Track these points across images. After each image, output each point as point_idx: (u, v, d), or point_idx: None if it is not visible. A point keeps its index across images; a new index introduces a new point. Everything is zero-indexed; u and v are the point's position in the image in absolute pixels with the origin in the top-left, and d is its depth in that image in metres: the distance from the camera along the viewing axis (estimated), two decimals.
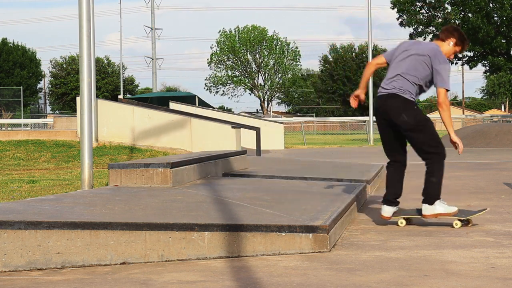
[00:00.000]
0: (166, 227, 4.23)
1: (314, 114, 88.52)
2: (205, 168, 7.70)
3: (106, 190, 6.24)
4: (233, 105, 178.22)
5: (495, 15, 31.94)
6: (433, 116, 58.11)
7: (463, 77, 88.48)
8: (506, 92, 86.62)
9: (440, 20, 33.45)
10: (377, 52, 75.60)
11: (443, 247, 4.61)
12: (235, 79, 78.10)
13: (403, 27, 34.50)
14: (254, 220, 4.53)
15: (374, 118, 35.83)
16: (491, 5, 31.56)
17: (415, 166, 13.33)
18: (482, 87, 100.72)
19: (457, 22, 32.50)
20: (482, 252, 4.40)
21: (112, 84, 78.00)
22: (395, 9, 34.16)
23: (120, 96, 35.42)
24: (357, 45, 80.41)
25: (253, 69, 78.26)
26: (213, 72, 79.79)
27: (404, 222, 5.66)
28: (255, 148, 16.29)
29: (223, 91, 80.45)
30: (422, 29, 33.98)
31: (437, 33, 33.58)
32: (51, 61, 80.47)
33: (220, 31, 79.30)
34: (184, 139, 17.22)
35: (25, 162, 15.23)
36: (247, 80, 78.52)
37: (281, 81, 78.79)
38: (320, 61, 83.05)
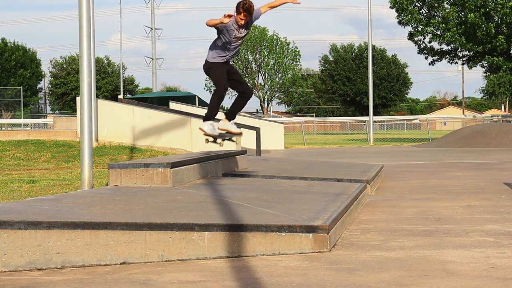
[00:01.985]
0: (166, 227, 4.23)
1: (314, 114, 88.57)
2: (205, 168, 7.70)
3: (106, 190, 6.24)
4: None
5: (495, 15, 31.90)
6: (432, 116, 58.14)
7: (463, 77, 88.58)
8: (506, 92, 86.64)
9: (439, 19, 33.42)
10: (376, 52, 75.95)
11: (443, 247, 4.61)
12: None
13: (402, 26, 34.47)
14: (254, 220, 4.53)
15: (375, 118, 35.79)
16: (490, 3, 31.51)
17: (415, 166, 13.33)
18: (482, 87, 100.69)
19: (455, 21, 32.48)
20: (482, 252, 4.40)
21: (112, 84, 77.99)
22: (394, 9, 34.13)
23: (120, 96, 35.41)
24: (357, 45, 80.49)
25: (253, 69, 78.29)
26: None
27: None
28: (255, 148, 16.29)
29: None
30: (421, 28, 33.94)
31: (437, 32, 33.61)
32: (51, 61, 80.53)
33: None
34: (184, 139, 17.23)
35: (25, 162, 15.24)
36: (247, 80, 78.53)
37: (281, 81, 78.85)
38: (320, 61, 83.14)
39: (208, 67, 7.77)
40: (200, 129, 7.84)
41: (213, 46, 7.69)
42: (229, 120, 7.88)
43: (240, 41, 7.72)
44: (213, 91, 7.87)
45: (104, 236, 4.14)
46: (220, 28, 7.46)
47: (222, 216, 4.74)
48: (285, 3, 7.83)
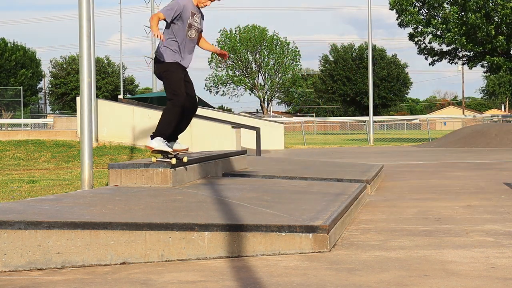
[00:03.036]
0: (166, 227, 4.23)
1: (314, 114, 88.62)
2: (205, 168, 7.70)
3: (106, 190, 6.24)
4: (233, 105, 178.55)
5: (495, 15, 31.91)
6: (432, 116, 58.18)
7: (463, 77, 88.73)
8: (506, 92, 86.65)
9: (439, 19, 33.41)
10: (376, 52, 75.95)
11: (443, 247, 4.61)
12: (235, 78, 78.13)
13: (402, 27, 34.49)
14: (254, 220, 4.53)
15: (375, 118, 35.78)
16: (491, 4, 31.53)
17: (415, 166, 13.33)
18: (482, 87, 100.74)
19: (456, 22, 32.46)
20: (482, 252, 4.40)
21: (112, 84, 78.03)
22: (394, 10, 34.14)
23: (120, 96, 35.39)
24: (357, 45, 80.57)
25: (253, 69, 78.28)
26: (213, 72, 79.89)
27: None
28: (255, 148, 16.28)
29: (223, 91, 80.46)
30: (421, 29, 33.94)
31: (437, 33, 33.61)
32: (51, 61, 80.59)
33: (220, 30, 79.46)
34: (184, 139, 17.22)
35: (25, 162, 15.23)
36: (247, 80, 78.53)
37: (281, 81, 78.88)
38: (320, 61, 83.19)
39: (164, 69, 6.36)
40: (147, 147, 6.46)
41: (167, 43, 6.37)
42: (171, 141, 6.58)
43: (194, 35, 6.42)
44: (168, 102, 6.39)
45: (104, 236, 4.14)
46: (175, 14, 6.23)
47: (222, 216, 4.74)
48: (213, 51, 6.93)
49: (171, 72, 6.32)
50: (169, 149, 6.42)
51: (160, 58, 6.38)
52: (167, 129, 6.39)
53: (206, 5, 6.38)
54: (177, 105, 6.30)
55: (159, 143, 6.36)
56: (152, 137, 6.41)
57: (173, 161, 6.39)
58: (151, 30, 6.13)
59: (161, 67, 6.37)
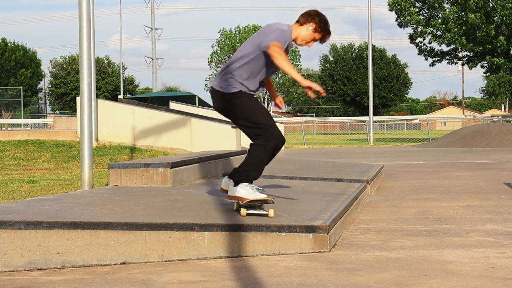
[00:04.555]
0: (166, 227, 4.23)
1: (314, 114, 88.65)
2: (205, 168, 7.70)
3: (106, 190, 6.24)
4: None
5: (495, 15, 31.93)
6: (432, 116, 58.24)
7: (463, 77, 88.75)
8: (506, 92, 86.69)
9: (439, 20, 33.42)
10: (376, 52, 75.99)
11: (443, 247, 4.61)
12: None
13: (402, 28, 34.50)
14: (254, 220, 4.53)
15: (375, 118, 35.67)
16: (491, 4, 31.55)
17: (415, 166, 13.33)
18: (482, 87, 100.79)
19: (456, 22, 32.47)
20: (482, 252, 4.40)
21: (112, 84, 78.01)
22: (393, 11, 34.17)
23: (120, 96, 35.41)
24: (357, 45, 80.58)
25: None
26: (213, 72, 79.90)
27: None
28: None
29: None
30: (421, 29, 33.95)
31: (437, 33, 33.64)
32: (51, 61, 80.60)
33: (220, 30, 79.53)
34: (184, 139, 17.24)
35: (25, 162, 15.23)
36: None
37: (281, 81, 78.88)
38: (320, 61, 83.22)
39: (229, 98, 4.99)
40: (235, 197, 4.85)
41: (238, 75, 4.96)
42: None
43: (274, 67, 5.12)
44: (257, 140, 4.94)
45: (104, 236, 4.14)
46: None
47: (222, 216, 4.74)
48: (273, 97, 5.41)
49: (241, 102, 4.96)
50: (265, 196, 4.84)
51: (221, 90, 5.01)
52: (258, 172, 4.98)
53: (309, 45, 5.17)
54: (271, 138, 4.91)
55: (250, 192, 4.82)
56: (236, 182, 4.90)
57: (271, 213, 4.74)
58: (299, 81, 4.79)
59: (225, 99, 5.01)
